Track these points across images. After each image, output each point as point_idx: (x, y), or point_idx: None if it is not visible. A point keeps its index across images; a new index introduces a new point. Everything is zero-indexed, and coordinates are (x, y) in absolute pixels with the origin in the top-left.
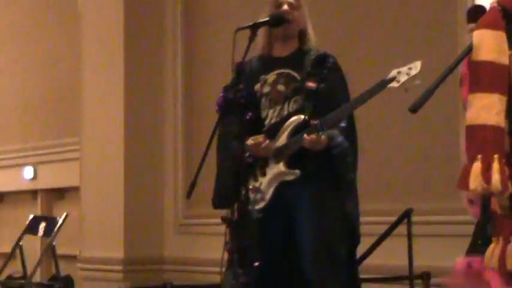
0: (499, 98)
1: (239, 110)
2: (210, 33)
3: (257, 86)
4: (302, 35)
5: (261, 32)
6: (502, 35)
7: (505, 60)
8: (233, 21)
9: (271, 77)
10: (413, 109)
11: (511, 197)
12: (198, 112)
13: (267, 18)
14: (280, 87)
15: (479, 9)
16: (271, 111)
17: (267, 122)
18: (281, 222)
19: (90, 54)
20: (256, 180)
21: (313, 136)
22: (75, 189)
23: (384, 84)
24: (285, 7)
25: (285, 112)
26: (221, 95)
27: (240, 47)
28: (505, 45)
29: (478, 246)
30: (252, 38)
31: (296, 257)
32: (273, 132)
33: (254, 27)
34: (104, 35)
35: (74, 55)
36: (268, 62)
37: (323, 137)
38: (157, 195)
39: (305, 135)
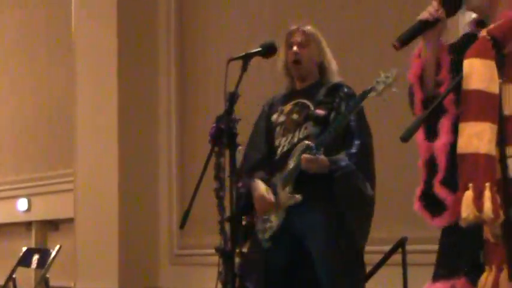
0: (490, 127)
1: (232, 140)
2: (203, 62)
3: (274, 117)
4: (320, 69)
5: (282, 73)
6: (492, 64)
7: (495, 89)
8: (227, 49)
9: (287, 107)
10: (405, 138)
11: (503, 225)
12: (192, 142)
13: (259, 49)
14: (294, 116)
15: None
16: (283, 139)
17: (279, 150)
18: (284, 248)
19: (84, 85)
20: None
21: (307, 156)
22: (69, 221)
23: (364, 94)
24: (294, 48)
25: (295, 139)
26: (214, 125)
27: (233, 77)
28: (495, 74)
29: (460, 269)
30: (244, 68)
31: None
32: (284, 160)
33: (246, 58)
34: (98, 65)
35: (67, 86)
36: (288, 95)
37: (322, 157)
38: (151, 226)
39: (302, 156)
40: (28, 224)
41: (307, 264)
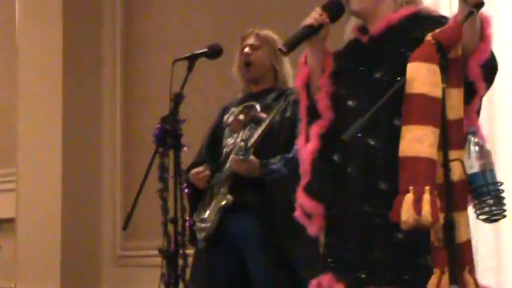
0: (432, 131)
1: (176, 141)
2: (148, 64)
3: (225, 118)
4: (274, 73)
5: (237, 77)
6: (435, 68)
7: (438, 93)
8: (171, 51)
9: (238, 109)
10: (345, 139)
11: (445, 229)
12: (136, 143)
13: (205, 50)
14: (241, 117)
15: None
16: (229, 139)
17: (224, 150)
18: (226, 253)
19: (27, 85)
20: (205, 210)
21: (236, 157)
22: (10, 221)
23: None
24: (246, 50)
25: (239, 140)
26: (158, 126)
27: (179, 78)
28: (439, 79)
29: (327, 265)
30: (190, 69)
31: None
32: (227, 160)
33: (191, 59)
34: (41, 68)
35: (9, 86)
36: (242, 98)
37: (252, 159)
38: (94, 227)
39: (231, 156)
40: None
41: (245, 268)
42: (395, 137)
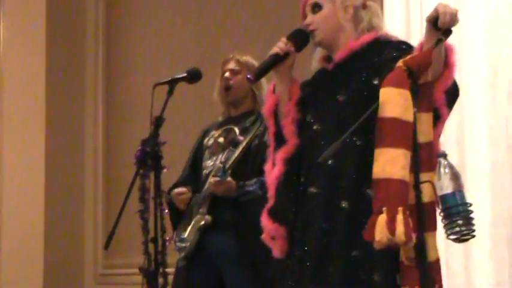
0: (404, 153)
1: (157, 162)
2: (129, 87)
3: (205, 140)
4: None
5: (217, 101)
6: (407, 93)
7: (409, 117)
8: (152, 76)
9: (218, 132)
10: (322, 162)
11: (416, 249)
12: (117, 164)
13: (185, 74)
14: (220, 140)
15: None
16: (209, 161)
17: (203, 172)
18: (205, 270)
19: (11, 106)
20: (185, 229)
21: (214, 178)
22: None
23: None
24: (226, 74)
25: (218, 162)
26: (139, 147)
27: (159, 101)
28: (410, 103)
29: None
30: (170, 93)
31: None
32: (206, 181)
33: (172, 83)
34: (25, 88)
35: None
36: (222, 121)
37: (229, 180)
38: (77, 246)
39: (210, 177)
40: None
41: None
42: (357, 159)
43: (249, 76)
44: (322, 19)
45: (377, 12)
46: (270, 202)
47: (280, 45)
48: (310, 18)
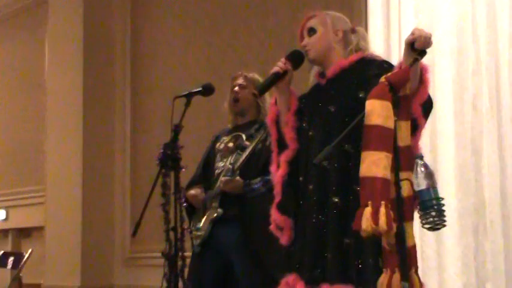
0: (386, 155)
1: (176, 163)
2: (152, 100)
3: (217, 145)
4: (258, 108)
5: (227, 111)
6: (388, 105)
7: (391, 124)
8: (172, 90)
9: (227, 138)
10: (316, 163)
11: (396, 236)
12: (143, 165)
13: (200, 88)
14: (230, 145)
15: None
16: (220, 163)
17: (215, 172)
18: (215, 256)
19: (53, 115)
20: (200, 221)
21: (224, 177)
22: (40, 229)
23: None
24: (235, 89)
25: (227, 163)
26: (161, 150)
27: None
28: (391, 113)
29: (293, 267)
30: (187, 104)
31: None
32: (217, 180)
33: (189, 96)
34: (65, 101)
35: (39, 118)
36: (231, 129)
37: (237, 179)
38: (108, 234)
39: (220, 177)
40: (5, 232)
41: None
42: (345, 160)
43: (254, 92)
44: (316, 41)
45: (364, 36)
46: (277, 198)
47: (280, 64)
48: (306, 40)
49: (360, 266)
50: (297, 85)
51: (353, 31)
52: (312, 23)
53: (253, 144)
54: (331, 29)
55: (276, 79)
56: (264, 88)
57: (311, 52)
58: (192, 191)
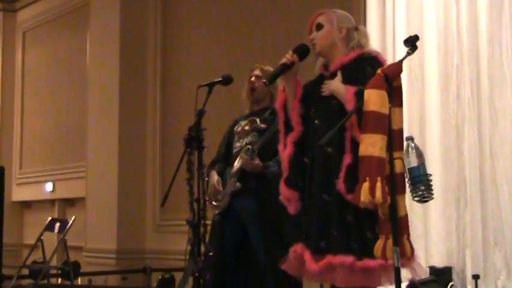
0: (381, 137)
1: (199, 144)
2: (179, 89)
3: (235, 128)
4: (271, 96)
5: (245, 98)
6: (384, 93)
7: (386, 110)
8: (196, 79)
9: (244, 122)
10: (322, 144)
11: (390, 207)
12: (171, 144)
13: (220, 79)
14: (246, 127)
15: (305, 48)
16: (237, 143)
17: (234, 151)
18: (234, 224)
19: (94, 102)
20: (220, 193)
21: (246, 157)
22: (82, 199)
23: None
24: (252, 79)
25: (244, 143)
26: (187, 132)
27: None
28: (386, 101)
29: (300, 237)
30: (209, 92)
31: (251, 250)
32: (235, 158)
33: (210, 85)
34: (105, 90)
35: (82, 106)
36: (248, 114)
37: (257, 161)
38: (141, 204)
39: (241, 156)
40: (53, 201)
41: (247, 235)
42: (345, 145)
43: (264, 80)
44: (322, 36)
45: (365, 34)
46: (285, 174)
47: (288, 56)
48: (314, 34)
49: (361, 239)
50: (303, 75)
51: (356, 29)
52: (320, 19)
53: (270, 130)
54: (336, 26)
55: (284, 69)
56: (273, 77)
57: (317, 45)
58: (214, 183)
